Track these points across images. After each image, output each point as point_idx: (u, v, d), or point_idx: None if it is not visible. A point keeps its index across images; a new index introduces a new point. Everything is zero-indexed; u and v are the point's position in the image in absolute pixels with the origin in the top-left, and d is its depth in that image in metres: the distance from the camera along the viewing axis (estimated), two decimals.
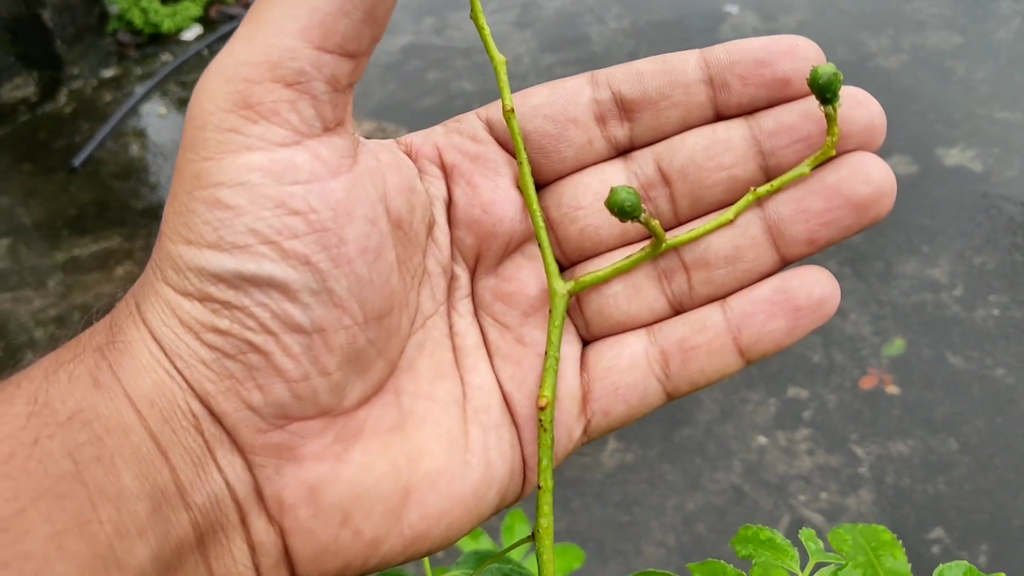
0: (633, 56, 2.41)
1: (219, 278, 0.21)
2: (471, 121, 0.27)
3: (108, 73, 2.43)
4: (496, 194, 0.26)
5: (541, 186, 0.27)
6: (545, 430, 0.22)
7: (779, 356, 1.50)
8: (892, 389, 1.44)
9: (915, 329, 1.54)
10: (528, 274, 0.26)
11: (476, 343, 0.26)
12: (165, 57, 2.48)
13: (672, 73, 0.26)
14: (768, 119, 0.25)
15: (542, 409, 0.23)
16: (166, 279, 0.22)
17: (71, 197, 1.98)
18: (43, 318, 1.66)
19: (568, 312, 0.26)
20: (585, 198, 0.26)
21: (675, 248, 0.26)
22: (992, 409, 1.40)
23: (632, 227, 0.26)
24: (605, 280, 0.24)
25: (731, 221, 0.24)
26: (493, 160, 0.26)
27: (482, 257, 0.26)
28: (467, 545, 0.39)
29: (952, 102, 2.16)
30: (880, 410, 1.41)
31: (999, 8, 2.56)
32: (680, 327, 0.26)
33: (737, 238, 0.26)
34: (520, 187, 0.25)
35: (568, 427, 0.26)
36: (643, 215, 0.22)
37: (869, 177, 0.24)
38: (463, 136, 0.27)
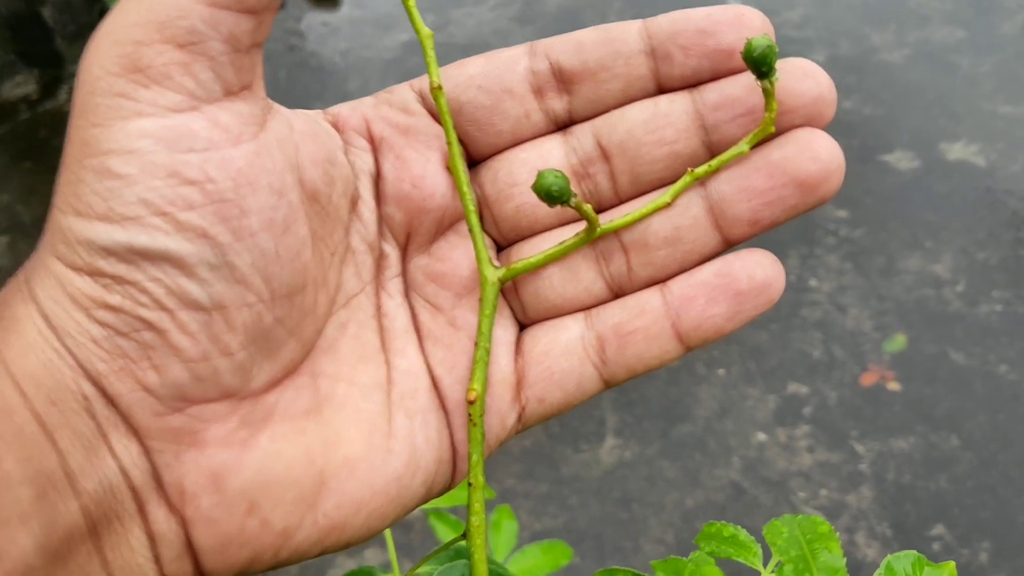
0: None
1: (109, 251, 0.20)
2: (403, 92, 0.26)
3: None
4: (427, 168, 0.25)
5: (476, 161, 0.26)
6: (475, 424, 0.21)
7: (778, 351, 1.48)
8: (893, 385, 1.43)
9: (917, 325, 1.53)
10: (462, 254, 0.25)
11: (405, 325, 0.25)
12: None
13: (613, 43, 0.25)
14: (712, 92, 0.24)
15: (471, 403, 0.22)
16: (56, 252, 0.21)
17: None
18: None
19: (503, 294, 0.25)
20: (521, 174, 0.25)
21: (613, 231, 0.25)
22: (995, 405, 1.38)
23: (569, 210, 0.25)
24: (537, 267, 0.24)
25: (668, 204, 0.23)
26: (424, 133, 0.25)
27: (413, 235, 0.25)
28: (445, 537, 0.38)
29: (956, 97, 2.14)
30: (881, 406, 1.40)
31: (1004, 2, 2.54)
32: (617, 311, 0.25)
33: (677, 218, 0.25)
34: (449, 168, 0.24)
35: (501, 414, 0.25)
36: (573, 199, 0.21)
37: (816, 154, 0.23)
38: (393, 108, 0.26)
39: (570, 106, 0.26)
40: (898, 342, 1.50)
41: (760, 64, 0.21)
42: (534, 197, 0.24)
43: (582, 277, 0.25)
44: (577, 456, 1.35)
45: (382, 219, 0.25)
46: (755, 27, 0.24)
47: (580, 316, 0.26)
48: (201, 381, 0.21)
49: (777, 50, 0.23)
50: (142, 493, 0.21)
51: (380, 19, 2.66)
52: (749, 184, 0.24)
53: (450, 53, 2.41)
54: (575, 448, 1.36)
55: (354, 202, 0.25)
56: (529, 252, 0.26)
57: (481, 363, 0.22)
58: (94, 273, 0.20)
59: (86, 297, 0.20)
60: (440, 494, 0.24)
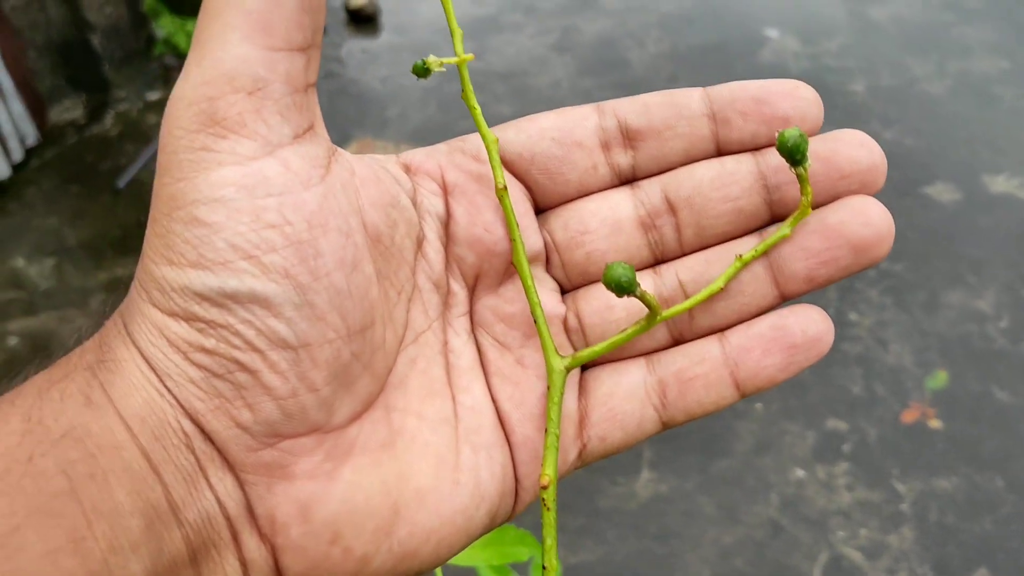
0: (672, 80, 2.40)
1: (203, 296, 0.21)
2: (475, 141, 0.27)
3: (153, 96, 2.48)
4: (498, 214, 0.26)
5: (544, 209, 0.27)
6: (548, 509, 0.22)
7: (818, 387, 1.47)
8: (935, 423, 1.41)
9: (959, 362, 1.51)
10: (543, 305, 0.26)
11: (471, 362, 0.26)
12: None
13: (677, 106, 0.26)
14: (774, 155, 0.26)
15: (544, 488, 0.22)
16: (151, 300, 0.22)
17: (116, 218, 2.01)
18: (85, 337, 1.68)
19: (568, 335, 0.26)
20: (592, 223, 0.27)
21: (679, 278, 0.26)
22: None
23: (637, 257, 0.27)
24: (601, 354, 0.24)
25: (721, 289, 0.24)
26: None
27: (482, 276, 0.26)
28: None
29: (999, 128, 2.12)
30: (923, 445, 1.38)
31: None
32: (679, 358, 0.26)
33: (741, 272, 0.26)
34: (514, 263, 0.25)
35: (564, 450, 0.26)
36: (638, 290, 0.22)
37: (869, 220, 0.25)
38: (466, 156, 0.27)
39: (634, 161, 0.27)
40: (940, 379, 1.48)
41: (793, 153, 0.22)
42: (604, 244, 0.26)
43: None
44: (614, 489, 1.34)
45: (450, 259, 0.26)
46: (808, 98, 0.26)
47: (641, 361, 0.27)
48: (291, 417, 0.22)
49: (808, 140, 0.24)
50: (236, 523, 0.22)
51: (419, 46, 2.69)
52: (807, 245, 0.25)
53: (489, 81, 2.43)
54: (612, 480, 1.35)
55: (419, 243, 0.26)
56: (594, 295, 0.27)
57: (552, 449, 0.23)
58: (189, 318, 0.21)
59: (183, 341, 0.21)
60: (502, 523, 0.26)
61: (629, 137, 0.27)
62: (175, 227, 0.21)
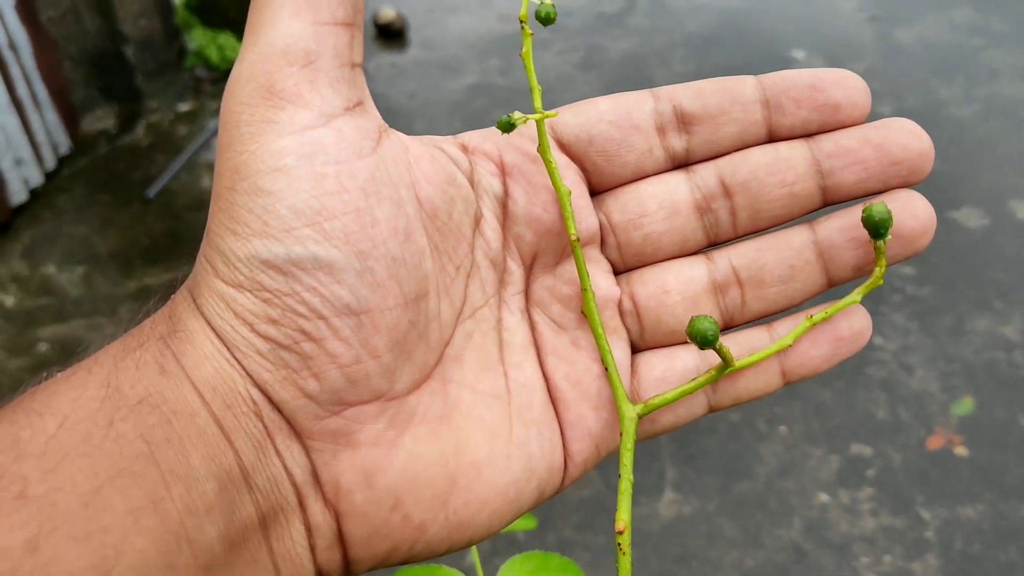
0: None
1: (268, 264, 0.22)
2: (531, 126, 0.28)
3: (184, 107, 2.51)
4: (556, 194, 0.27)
5: (602, 190, 0.28)
6: (624, 553, 0.23)
7: (842, 411, 1.47)
8: (961, 450, 1.40)
9: (986, 388, 1.50)
10: (597, 285, 0.27)
11: (524, 340, 0.27)
12: None
13: (731, 92, 0.27)
14: (828, 141, 0.26)
15: (620, 533, 0.23)
16: (217, 273, 0.23)
17: (145, 227, 2.04)
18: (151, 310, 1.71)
19: (622, 317, 0.27)
20: (650, 206, 0.27)
21: (732, 264, 0.27)
22: None
23: (692, 240, 0.27)
24: (671, 402, 0.25)
25: (790, 346, 0.25)
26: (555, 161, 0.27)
27: (540, 255, 0.27)
28: None
29: None
30: (948, 472, 1.37)
31: None
32: (730, 345, 0.27)
33: (792, 259, 0.27)
34: (584, 312, 0.26)
35: (614, 429, 0.27)
36: (719, 344, 0.23)
37: (916, 213, 0.26)
38: (523, 137, 0.28)
39: (688, 145, 0.28)
40: (966, 405, 1.47)
41: (879, 227, 0.23)
42: (661, 227, 0.27)
43: (702, 307, 0.27)
44: (636, 509, 1.34)
45: (507, 238, 0.27)
46: (858, 87, 0.26)
47: (693, 348, 0.27)
48: (355, 384, 0.23)
49: (893, 218, 0.25)
50: (302, 489, 0.23)
51: (447, 61, 2.71)
52: (858, 235, 0.27)
53: (515, 98, 2.44)
54: (635, 500, 1.35)
55: (477, 220, 0.26)
56: (650, 278, 0.28)
57: (626, 495, 0.23)
58: (255, 289, 0.22)
59: (249, 313, 0.22)
60: (550, 497, 0.26)
61: (684, 121, 0.27)
62: (239, 199, 0.22)
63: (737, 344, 0.27)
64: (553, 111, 0.26)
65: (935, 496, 1.34)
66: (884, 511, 1.32)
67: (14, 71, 2.01)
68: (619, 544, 0.23)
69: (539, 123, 0.26)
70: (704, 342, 0.22)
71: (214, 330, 0.22)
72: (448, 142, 0.27)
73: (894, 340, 1.61)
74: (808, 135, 0.27)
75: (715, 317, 0.27)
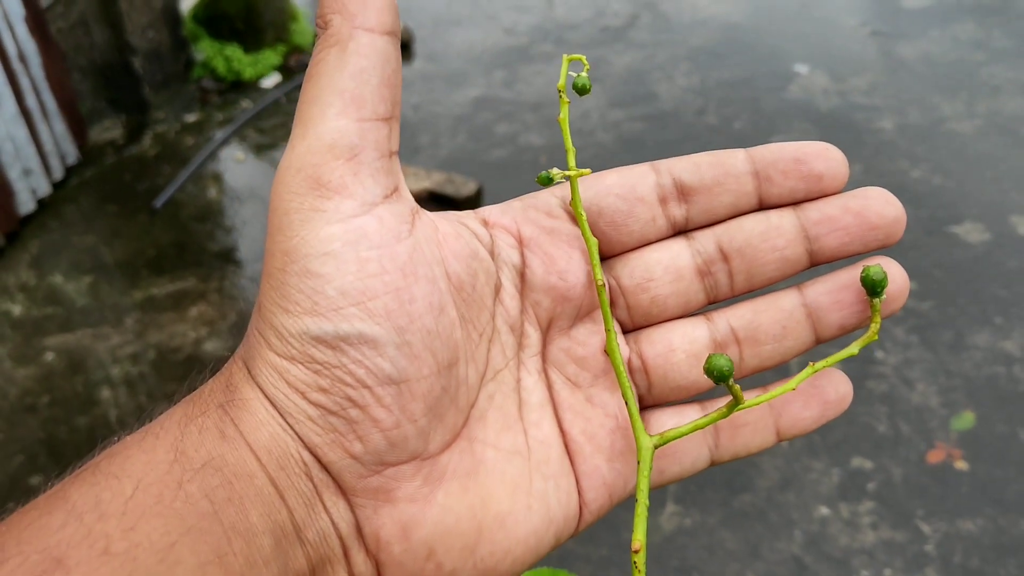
0: (701, 114, 2.42)
1: (318, 340, 0.24)
2: (546, 198, 0.30)
3: (191, 118, 2.53)
4: (570, 264, 0.29)
5: (610, 256, 0.30)
6: (639, 571, 0.24)
7: (843, 424, 1.47)
8: (961, 464, 1.41)
9: (986, 403, 1.51)
10: (598, 341, 0.30)
11: (541, 399, 0.29)
12: (245, 103, 2.58)
13: (724, 165, 0.30)
14: (813, 210, 0.29)
15: (635, 552, 0.24)
16: (270, 346, 0.25)
17: (152, 238, 2.05)
18: (120, 355, 1.72)
19: (632, 375, 0.30)
20: (656, 271, 0.30)
21: (730, 325, 0.30)
22: None
23: (694, 301, 0.30)
24: (685, 435, 0.26)
25: (794, 388, 0.26)
26: (566, 234, 0.30)
27: (555, 320, 0.29)
28: None
29: None
30: (948, 486, 1.38)
31: None
32: (677, 419, 0.30)
33: (784, 320, 0.29)
34: (607, 351, 0.27)
35: (625, 479, 0.29)
36: (731, 380, 0.24)
37: (892, 276, 0.29)
38: (539, 211, 0.30)
39: (688, 214, 0.30)
40: (966, 420, 1.48)
41: (875, 287, 0.25)
42: (666, 290, 0.29)
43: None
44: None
45: (525, 304, 0.30)
46: (837, 159, 0.29)
47: (698, 408, 0.30)
48: (395, 447, 0.25)
49: (887, 279, 0.27)
50: (347, 541, 0.25)
51: (451, 75, 2.73)
52: (841, 298, 0.29)
53: (519, 111, 2.45)
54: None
55: (497, 290, 0.29)
56: (656, 338, 0.30)
57: (642, 517, 0.25)
58: (306, 361, 0.24)
59: (301, 383, 0.24)
60: (565, 541, 0.29)
61: (683, 193, 0.30)
62: (290, 279, 0.24)
63: (679, 414, 0.30)
64: (586, 169, 0.29)
65: (935, 510, 1.34)
66: (884, 525, 1.33)
67: (23, 82, 2.03)
68: (635, 563, 0.24)
69: (573, 180, 0.28)
70: (720, 377, 0.23)
71: (268, 398, 0.25)
72: (470, 217, 0.29)
73: (895, 354, 1.61)
74: (794, 203, 0.30)
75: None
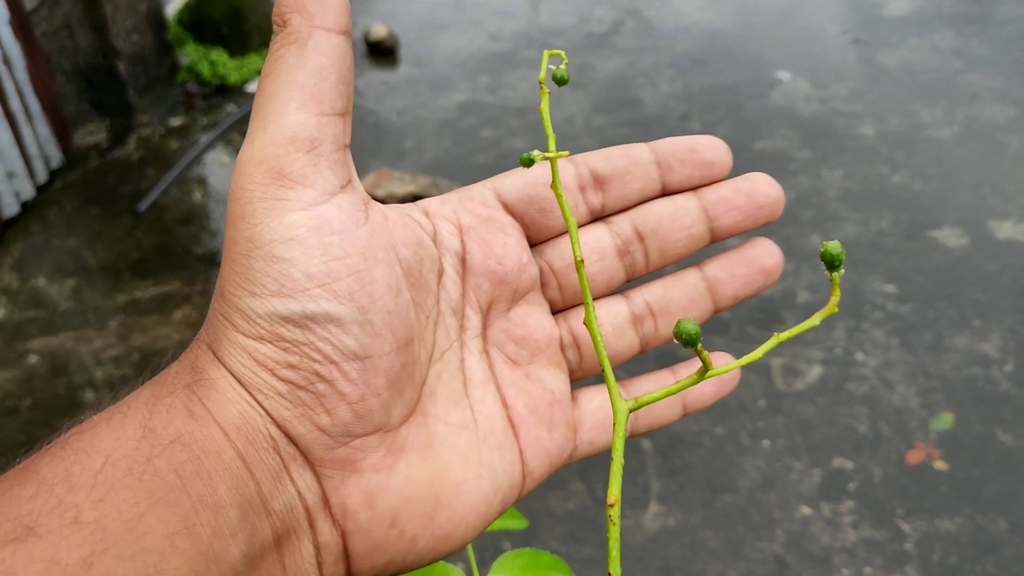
0: (685, 119, 2.44)
1: (287, 320, 0.25)
2: (480, 190, 0.33)
3: (175, 122, 2.53)
4: (506, 249, 0.32)
5: (540, 242, 0.33)
6: (614, 524, 0.25)
7: (824, 425, 1.49)
8: (940, 464, 1.43)
9: (964, 404, 1.53)
10: (535, 320, 0.32)
11: (484, 377, 0.31)
12: (230, 108, 2.58)
13: (632, 156, 0.33)
14: (711, 193, 0.33)
15: (611, 506, 0.25)
16: (237, 328, 0.26)
17: (135, 241, 2.05)
18: (103, 358, 1.71)
19: (564, 351, 0.33)
20: (584, 252, 0.33)
21: (646, 300, 0.33)
22: None
23: (616, 278, 0.33)
24: (659, 400, 0.28)
25: (759, 358, 0.27)
26: (500, 222, 0.32)
27: (495, 302, 0.32)
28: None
29: (1005, 175, 2.15)
30: (927, 485, 1.39)
31: None
32: (649, 385, 0.33)
33: (691, 292, 0.33)
34: (586, 323, 0.29)
35: (562, 447, 0.32)
36: (699, 345, 0.25)
37: (772, 252, 0.33)
38: (475, 202, 0.33)
39: (603, 201, 0.33)
40: (945, 421, 1.50)
41: (833, 261, 0.26)
42: (594, 269, 0.32)
43: (627, 335, 0.34)
44: (621, 521, 1.36)
45: (466, 289, 0.32)
46: (722, 148, 0.33)
47: (670, 374, 0.34)
48: (361, 419, 0.27)
49: (845, 254, 0.28)
50: (313, 512, 0.27)
51: (437, 80, 2.74)
52: (735, 271, 0.33)
53: (504, 116, 2.46)
54: (620, 513, 1.37)
55: (440, 275, 0.31)
56: (584, 316, 0.33)
57: (617, 475, 0.26)
58: (275, 340, 0.26)
59: (270, 360, 0.26)
60: (510, 506, 0.31)
61: (598, 181, 0.33)
62: (256, 264, 0.26)
63: (654, 382, 0.33)
64: (565, 152, 0.30)
65: (915, 509, 1.36)
66: (865, 524, 1.34)
67: (7, 85, 2.02)
68: (610, 516, 0.25)
69: (553, 161, 0.30)
70: (689, 341, 0.24)
71: (236, 377, 0.26)
72: (413, 208, 0.32)
73: (875, 356, 1.63)
74: (692, 188, 0.34)
75: (637, 344, 0.33)
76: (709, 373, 0.26)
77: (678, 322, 0.23)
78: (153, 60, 2.56)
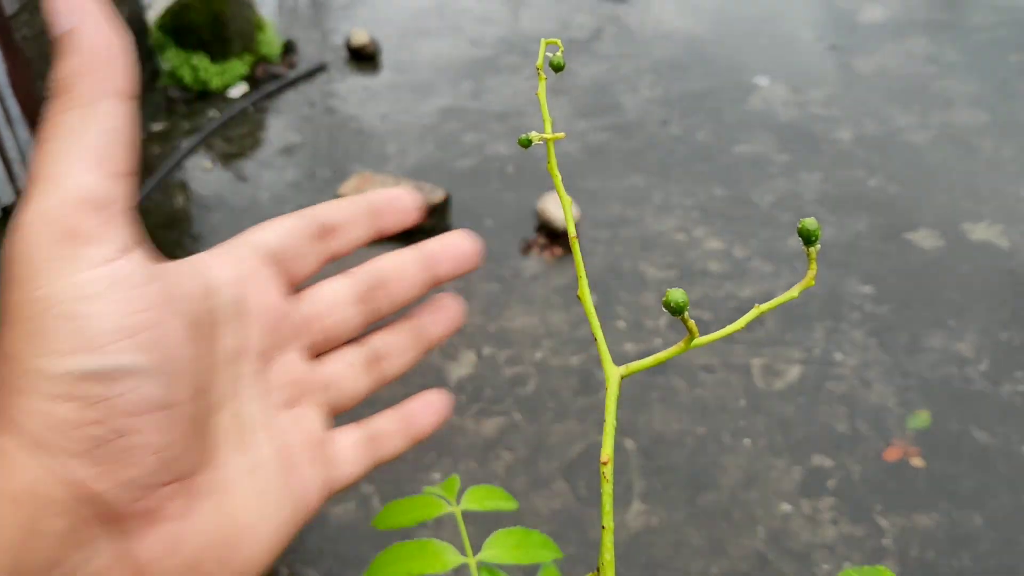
0: (665, 125, 2.47)
1: (88, 376, 0.26)
2: (244, 240, 0.34)
3: (157, 127, 2.52)
4: (276, 298, 0.34)
5: (299, 290, 0.36)
6: (607, 480, 0.26)
7: (803, 424, 1.51)
8: (917, 461, 1.45)
9: (941, 402, 1.56)
10: (298, 365, 0.34)
11: (262, 421, 0.33)
12: (212, 113, 2.58)
13: (353, 205, 0.36)
14: (430, 245, 0.36)
15: (604, 464, 0.27)
16: (31, 390, 0.26)
17: None
18: None
19: (326, 392, 0.35)
20: (329, 301, 0.35)
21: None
22: (1018, 485, 1.40)
23: (356, 320, 0.35)
24: (645, 368, 0.29)
25: (741, 328, 0.28)
26: (264, 272, 0.34)
27: (267, 350, 0.34)
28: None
29: (979, 178, 2.19)
30: (905, 482, 1.42)
31: None
32: (384, 420, 0.36)
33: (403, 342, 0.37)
34: (580, 296, 0.30)
35: (335, 475, 0.34)
36: (687, 313, 0.26)
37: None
38: (240, 252, 0.34)
39: (334, 248, 0.36)
40: (922, 419, 1.53)
41: (810, 236, 0.27)
42: (340, 318, 0.35)
43: (361, 380, 0.36)
44: None
45: (243, 337, 0.33)
46: (413, 198, 0.36)
47: (355, 426, 0.36)
48: (165, 468, 0.28)
49: (821, 228, 0.29)
50: (112, 567, 0.27)
51: (419, 85, 2.76)
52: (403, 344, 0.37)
53: (485, 120, 2.48)
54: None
55: (221, 325, 0.32)
56: (339, 359, 0.36)
57: (609, 436, 0.27)
58: (76, 398, 0.26)
59: (70, 419, 0.26)
60: (290, 537, 0.34)
61: (327, 231, 0.36)
62: (51, 323, 0.26)
63: (385, 417, 0.36)
64: (561, 133, 0.31)
65: (893, 505, 1.38)
66: (844, 520, 1.37)
67: None
68: (603, 473, 0.26)
69: (549, 143, 0.31)
70: (677, 309, 0.25)
71: (29, 443, 0.26)
72: (195, 260, 0.33)
73: (853, 356, 1.66)
74: (398, 233, 0.37)
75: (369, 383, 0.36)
76: (695, 342, 0.27)
77: (667, 292, 0.25)
78: (134, 65, 2.55)
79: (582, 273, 0.30)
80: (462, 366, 1.67)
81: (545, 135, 0.32)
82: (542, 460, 1.48)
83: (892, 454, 1.47)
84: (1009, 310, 1.76)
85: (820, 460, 1.46)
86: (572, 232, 0.31)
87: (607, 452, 0.26)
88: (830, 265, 1.89)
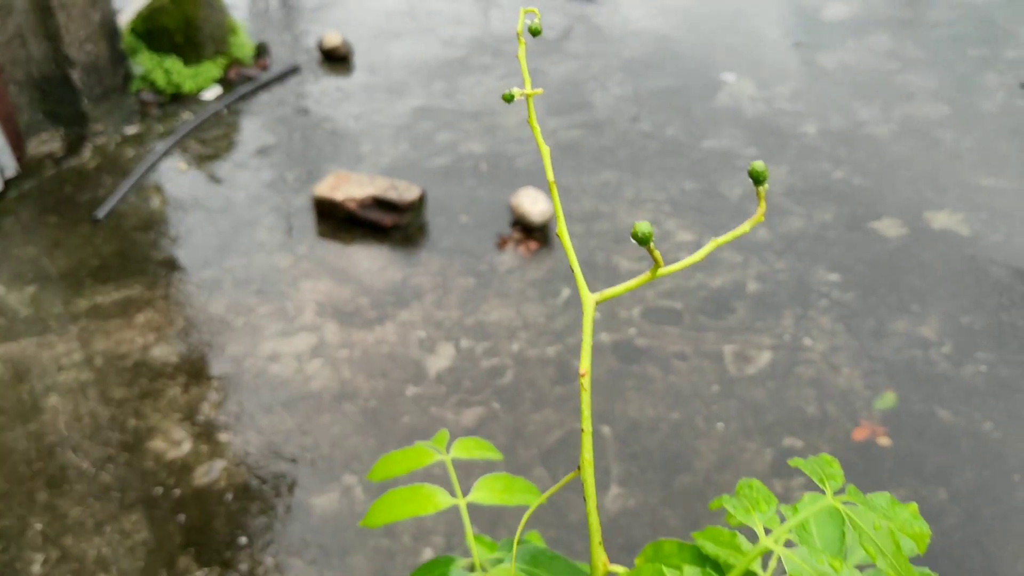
0: (635, 121, 2.51)
1: None
2: None
3: (131, 130, 2.53)
4: None
5: None
6: (585, 390, 0.30)
7: (774, 407, 1.56)
8: (884, 441, 1.50)
9: (906, 384, 1.61)
10: None
11: None
12: (185, 115, 2.59)
13: None
14: None
15: (582, 376, 0.30)
16: None
17: (95, 248, 2.05)
18: (65, 363, 1.72)
19: None
20: None
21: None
22: (980, 462, 1.45)
23: None
24: (619, 294, 0.32)
25: (700, 260, 0.32)
26: None
27: None
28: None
29: (940, 169, 2.25)
30: (872, 461, 1.47)
31: (985, 81, 2.68)
32: None
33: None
34: (559, 235, 0.33)
35: None
36: (652, 244, 0.30)
37: None
38: None
39: None
40: (888, 400, 1.58)
41: (759, 177, 0.31)
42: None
43: None
44: (582, 504, 1.41)
45: None
46: None
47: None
48: None
49: (768, 171, 0.32)
50: None
51: (392, 85, 2.78)
52: None
53: (459, 119, 2.51)
54: (582, 496, 1.41)
55: None
56: None
57: (587, 352, 0.30)
58: None
59: None
60: None
61: None
62: None
63: None
64: (539, 89, 0.35)
65: (861, 483, 1.43)
66: None
67: None
68: (582, 384, 0.30)
69: (528, 98, 0.34)
70: (643, 239, 0.29)
71: None
72: None
73: (822, 341, 1.71)
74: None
75: None
76: (660, 271, 0.30)
77: (634, 224, 0.28)
78: (107, 69, 2.56)
79: (559, 213, 0.33)
80: (441, 359, 1.70)
81: (525, 91, 0.35)
82: (521, 448, 1.51)
83: (860, 434, 1.51)
84: (970, 295, 1.82)
85: (791, 442, 1.50)
86: (550, 177, 0.34)
87: (585, 366, 0.29)
88: (798, 255, 1.94)
